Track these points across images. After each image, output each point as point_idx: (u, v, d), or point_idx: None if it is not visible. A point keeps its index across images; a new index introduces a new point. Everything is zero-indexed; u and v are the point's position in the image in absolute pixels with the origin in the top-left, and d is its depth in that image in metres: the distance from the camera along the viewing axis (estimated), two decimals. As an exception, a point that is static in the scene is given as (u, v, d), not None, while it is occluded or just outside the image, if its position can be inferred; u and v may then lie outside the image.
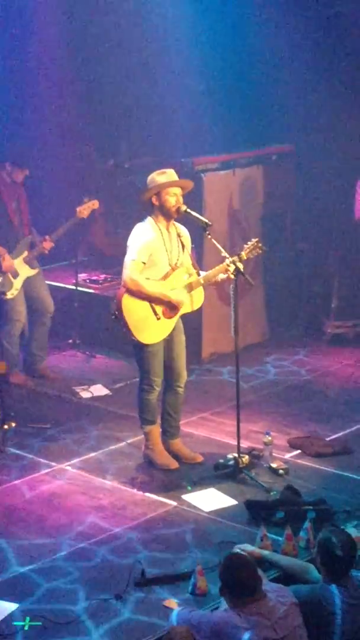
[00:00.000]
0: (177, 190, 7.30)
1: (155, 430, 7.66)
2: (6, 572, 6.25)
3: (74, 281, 10.14)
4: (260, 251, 7.55)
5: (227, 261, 7.31)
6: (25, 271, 9.13)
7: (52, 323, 9.40)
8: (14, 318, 9.12)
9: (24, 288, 9.13)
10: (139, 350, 7.46)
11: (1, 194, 8.97)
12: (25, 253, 9.11)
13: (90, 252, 11.25)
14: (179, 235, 7.41)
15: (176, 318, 7.47)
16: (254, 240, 7.56)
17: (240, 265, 7.31)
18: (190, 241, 7.52)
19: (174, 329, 7.49)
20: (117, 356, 9.84)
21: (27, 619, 5.73)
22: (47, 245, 9.11)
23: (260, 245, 7.52)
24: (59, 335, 9.88)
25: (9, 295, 9.04)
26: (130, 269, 7.26)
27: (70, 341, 10.11)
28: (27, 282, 9.15)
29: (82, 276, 10.41)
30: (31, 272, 9.17)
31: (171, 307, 7.38)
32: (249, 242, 7.55)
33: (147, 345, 7.40)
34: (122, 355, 9.68)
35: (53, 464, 7.69)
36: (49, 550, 6.50)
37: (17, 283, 9.08)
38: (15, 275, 9.05)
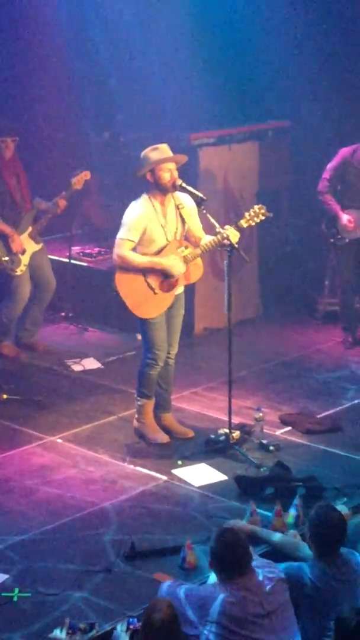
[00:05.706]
0: (171, 165, 7.24)
1: (149, 405, 7.66)
2: (-5, 543, 6.28)
3: (68, 254, 10.12)
4: (264, 217, 7.47)
5: (223, 232, 7.22)
6: (31, 247, 9.09)
7: (45, 296, 9.39)
8: (18, 297, 9.08)
9: (29, 264, 9.09)
10: (142, 324, 7.47)
11: (1, 171, 8.92)
12: (30, 228, 9.06)
13: (84, 225, 11.21)
14: (178, 207, 7.37)
15: (175, 291, 7.45)
16: (256, 207, 7.48)
17: (236, 238, 7.26)
18: (196, 209, 7.42)
19: (175, 302, 7.49)
20: (109, 330, 9.83)
21: (16, 590, 5.75)
22: (62, 204, 9.05)
23: (263, 211, 7.44)
24: (52, 308, 9.85)
25: (18, 272, 9.01)
26: (117, 246, 7.27)
27: (63, 314, 10.09)
28: (32, 257, 9.11)
29: (75, 249, 10.37)
30: (36, 247, 9.13)
31: (167, 281, 7.34)
32: (250, 210, 7.48)
33: (148, 319, 7.40)
34: (115, 329, 9.68)
35: (44, 436, 7.70)
36: (39, 522, 6.50)
37: (25, 259, 9.04)
38: (23, 251, 9.02)
